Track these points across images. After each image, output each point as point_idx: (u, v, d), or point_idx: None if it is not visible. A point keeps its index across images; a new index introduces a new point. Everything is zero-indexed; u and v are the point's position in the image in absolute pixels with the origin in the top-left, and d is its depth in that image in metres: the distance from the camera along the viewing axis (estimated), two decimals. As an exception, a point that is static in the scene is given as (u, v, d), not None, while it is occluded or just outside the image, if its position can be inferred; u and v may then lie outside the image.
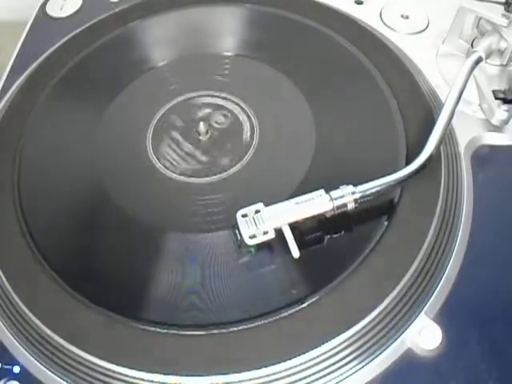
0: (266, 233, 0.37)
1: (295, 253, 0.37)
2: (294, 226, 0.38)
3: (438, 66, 0.50)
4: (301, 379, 0.35)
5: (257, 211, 0.38)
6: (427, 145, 0.40)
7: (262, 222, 0.37)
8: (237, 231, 0.38)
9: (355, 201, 0.38)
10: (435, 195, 0.40)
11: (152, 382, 0.35)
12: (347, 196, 0.38)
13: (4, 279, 0.40)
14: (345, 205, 0.38)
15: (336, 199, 0.38)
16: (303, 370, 0.35)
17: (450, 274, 0.39)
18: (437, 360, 0.36)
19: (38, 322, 0.37)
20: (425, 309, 0.37)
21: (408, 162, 0.40)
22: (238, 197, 0.41)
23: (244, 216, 0.38)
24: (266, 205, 0.38)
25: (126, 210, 0.43)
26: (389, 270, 0.37)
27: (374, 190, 0.38)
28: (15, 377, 0.37)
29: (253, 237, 0.37)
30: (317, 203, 0.38)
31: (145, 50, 0.54)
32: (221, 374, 0.34)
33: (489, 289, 0.38)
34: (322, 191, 0.38)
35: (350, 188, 0.38)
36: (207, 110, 0.49)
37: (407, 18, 0.55)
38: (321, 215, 0.38)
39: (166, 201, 0.44)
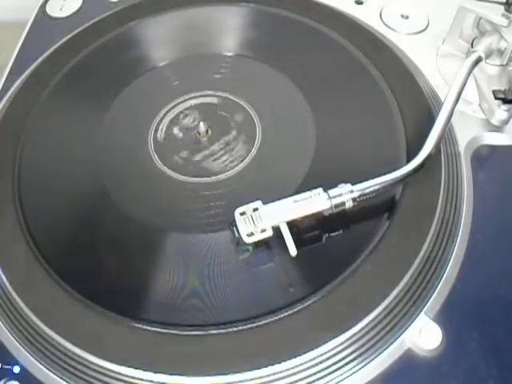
0: (263, 231, 0.37)
1: (292, 251, 0.37)
2: (294, 225, 0.38)
3: (437, 65, 0.50)
4: (301, 379, 0.35)
5: (255, 209, 0.38)
6: (426, 143, 0.40)
7: (259, 219, 0.37)
8: (235, 229, 0.38)
9: (353, 199, 0.38)
10: (435, 195, 0.40)
11: (152, 382, 0.35)
12: (345, 195, 0.38)
13: (4, 279, 0.40)
14: (343, 203, 0.38)
15: (334, 198, 0.38)
16: (303, 370, 0.35)
17: (449, 274, 0.39)
18: (437, 360, 0.36)
19: (38, 321, 0.37)
20: (425, 309, 0.37)
21: (408, 162, 0.40)
22: (238, 197, 0.40)
23: (242, 214, 0.38)
24: (266, 204, 0.38)
25: (127, 209, 0.43)
26: (389, 270, 0.37)
27: (372, 189, 0.38)
28: (15, 377, 0.37)
29: (251, 235, 0.37)
30: (315, 201, 0.38)
31: (145, 50, 0.54)
32: (221, 374, 0.34)
33: (489, 289, 0.38)
34: (320, 189, 0.38)
35: (348, 187, 0.38)
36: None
37: (407, 18, 0.55)
38: (319, 214, 0.38)
39: (167, 201, 0.44)
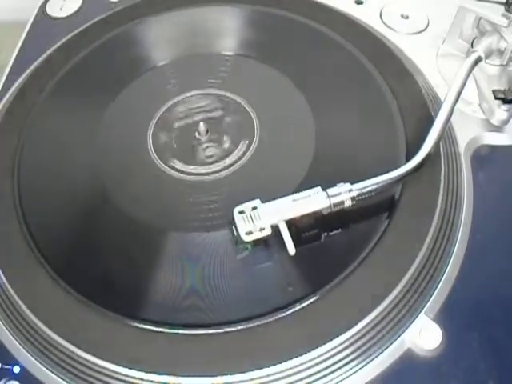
0: (262, 229, 0.37)
1: (291, 249, 0.37)
2: (295, 226, 0.38)
3: (437, 65, 0.50)
4: (301, 379, 0.35)
5: (254, 208, 0.38)
6: (425, 143, 0.40)
7: (258, 218, 0.37)
8: (234, 227, 0.38)
9: (352, 198, 0.38)
10: (435, 195, 0.40)
11: (152, 382, 0.35)
12: (344, 194, 0.38)
13: (4, 279, 0.40)
14: (342, 202, 0.38)
15: (333, 196, 0.38)
16: (303, 370, 0.35)
17: (449, 274, 0.39)
18: (437, 360, 0.36)
19: (37, 321, 0.37)
20: (425, 309, 0.37)
21: (408, 162, 0.40)
22: (238, 197, 0.40)
23: (241, 212, 0.38)
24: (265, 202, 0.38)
25: (126, 209, 0.43)
26: (389, 270, 0.37)
27: (371, 188, 0.38)
28: (15, 377, 0.37)
29: (249, 233, 0.37)
30: (313, 200, 0.38)
31: (145, 50, 0.54)
32: (221, 374, 0.34)
33: (489, 289, 0.38)
34: (319, 188, 0.38)
35: (347, 186, 0.38)
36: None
37: (407, 18, 0.55)
38: (318, 213, 0.38)
39: (166, 200, 0.44)
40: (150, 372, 0.35)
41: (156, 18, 0.55)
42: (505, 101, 0.44)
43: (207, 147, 0.47)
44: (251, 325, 0.36)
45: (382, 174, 0.39)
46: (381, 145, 0.44)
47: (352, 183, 0.38)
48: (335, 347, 0.35)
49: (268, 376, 0.34)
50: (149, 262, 0.40)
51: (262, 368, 0.34)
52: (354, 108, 0.47)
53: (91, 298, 0.38)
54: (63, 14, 0.59)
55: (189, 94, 0.50)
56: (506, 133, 0.46)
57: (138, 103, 0.50)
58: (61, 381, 0.37)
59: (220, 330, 0.36)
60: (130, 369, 0.35)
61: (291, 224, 0.38)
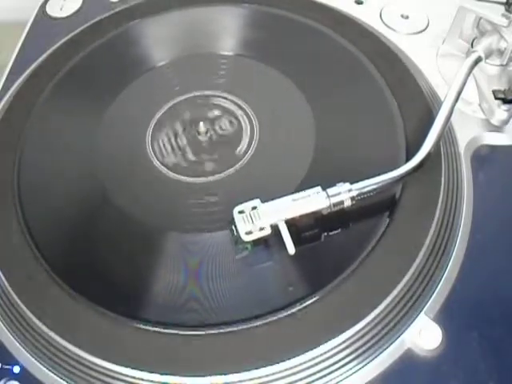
0: (262, 229, 0.37)
1: (291, 249, 0.37)
2: (294, 225, 0.38)
3: (437, 65, 0.50)
4: (301, 379, 0.35)
5: (253, 207, 0.38)
6: (425, 143, 0.40)
7: (258, 218, 0.37)
8: (233, 227, 0.38)
9: (352, 198, 0.38)
10: (435, 195, 0.40)
11: (152, 381, 0.35)
12: (344, 193, 0.38)
13: (4, 279, 0.40)
14: (341, 202, 0.38)
15: (332, 196, 0.38)
16: (303, 369, 0.35)
17: (449, 274, 0.39)
18: (437, 360, 0.36)
19: (37, 322, 0.37)
20: (425, 309, 0.37)
21: (408, 161, 0.40)
22: (238, 197, 0.40)
23: (241, 212, 0.38)
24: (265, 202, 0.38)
25: (126, 209, 0.43)
26: (389, 270, 0.37)
27: (370, 188, 0.38)
28: (15, 377, 0.37)
29: (249, 233, 0.37)
30: (313, 200, 0.38)
31: (145, 50, 0.54)
32: (221, 374, 0.34)
33: (489, 289, 0.38)
34: (318, 188, 0.38)
35: (347, 185, 0.38)
36: (207, 110, 0.49)
37: (407, 18, 0.55)
38: (319, 213, 0.38)
39: (166, 200, 0.44)
40: (150, 372, 0.35)
41: (156, 17, 0.55)
42: (505, 101, 0.44)
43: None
44: (251, 325, 0.36)
45: (381, 173, 0.39)
46: (381, 144, 0.44)
47: (352, 183, 0.38)
48: (335, 347, 0.35)
49: (267, 376, 0.34)
50: (149, 262, 0.40)
51: (261, 368, 0.34)
52: (354, 108, 0.47)
53: (91, 298, 0.38)
54: (63, 14, 0.59)
55: (188, 94, 0.50)
56: (506, 133, 0.46)
57: (137, 104, 0.50)
58: (61, 381, 0.37)
59: (220, 330, 0.36)
60: (130, 369, 0.35)
61: (291, 224, 0.38)
